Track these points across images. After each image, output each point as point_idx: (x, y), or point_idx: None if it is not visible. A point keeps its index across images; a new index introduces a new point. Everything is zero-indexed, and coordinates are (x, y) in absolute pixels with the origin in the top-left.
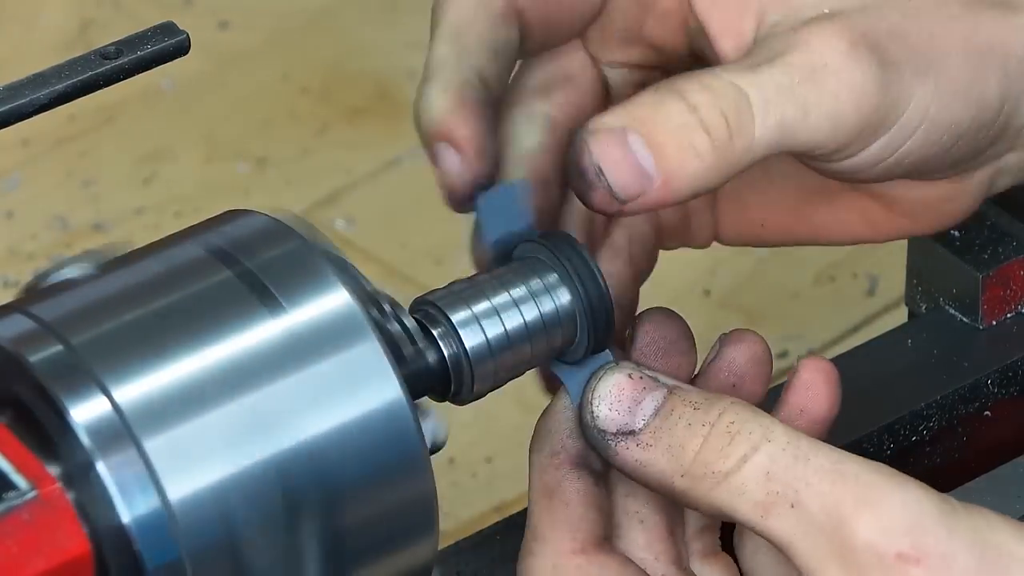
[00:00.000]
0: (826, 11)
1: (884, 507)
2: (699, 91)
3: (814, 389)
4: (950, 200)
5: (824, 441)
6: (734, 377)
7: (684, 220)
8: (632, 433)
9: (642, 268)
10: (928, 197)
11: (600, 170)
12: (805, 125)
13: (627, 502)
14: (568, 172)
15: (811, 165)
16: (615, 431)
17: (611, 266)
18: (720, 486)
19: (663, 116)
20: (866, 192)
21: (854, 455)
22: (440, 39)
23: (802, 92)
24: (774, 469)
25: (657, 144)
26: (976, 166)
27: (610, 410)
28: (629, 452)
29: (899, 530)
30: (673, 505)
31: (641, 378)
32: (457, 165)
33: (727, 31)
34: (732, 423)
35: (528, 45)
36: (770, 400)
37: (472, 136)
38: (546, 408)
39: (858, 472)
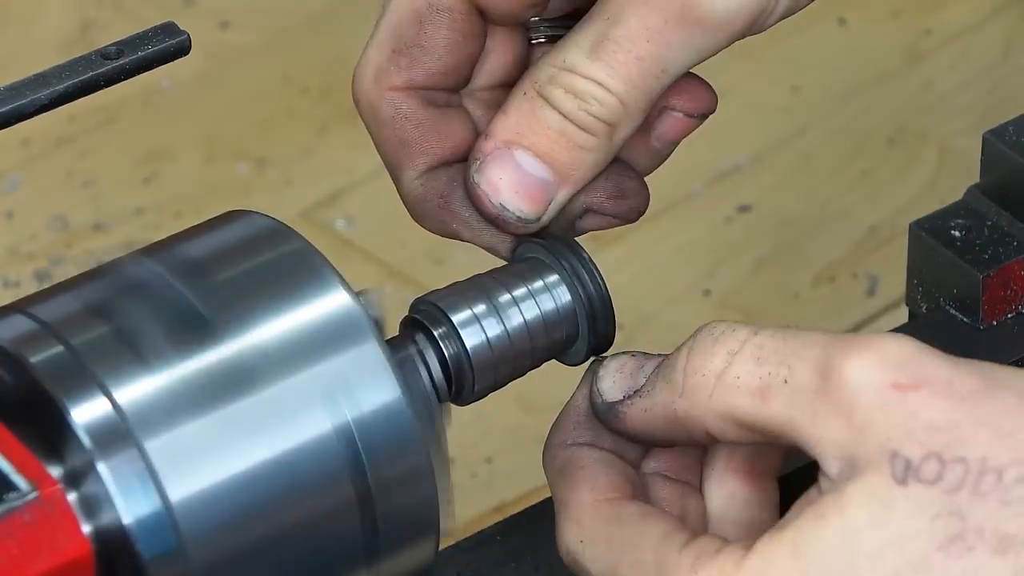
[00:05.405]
0: None
1: (875, 347)
2: (564, 97)
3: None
4: None
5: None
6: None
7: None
8: (636, 393)
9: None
10: None
11: (504, 206)
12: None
13: (646, 464)
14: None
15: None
16: (622, 397)
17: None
18: (716, 388)
19: (542, 126)
20: None
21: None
22: None
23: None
24: (763, 353)
25: (546, 154)
26: None
27: (614, 382)
28: (635, 406)
29: (892, 364)
30: (693, 465)
31: (644, 355)
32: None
33: None
34: (715, 330)
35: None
36: None
37: None
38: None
39: (850, 336)
